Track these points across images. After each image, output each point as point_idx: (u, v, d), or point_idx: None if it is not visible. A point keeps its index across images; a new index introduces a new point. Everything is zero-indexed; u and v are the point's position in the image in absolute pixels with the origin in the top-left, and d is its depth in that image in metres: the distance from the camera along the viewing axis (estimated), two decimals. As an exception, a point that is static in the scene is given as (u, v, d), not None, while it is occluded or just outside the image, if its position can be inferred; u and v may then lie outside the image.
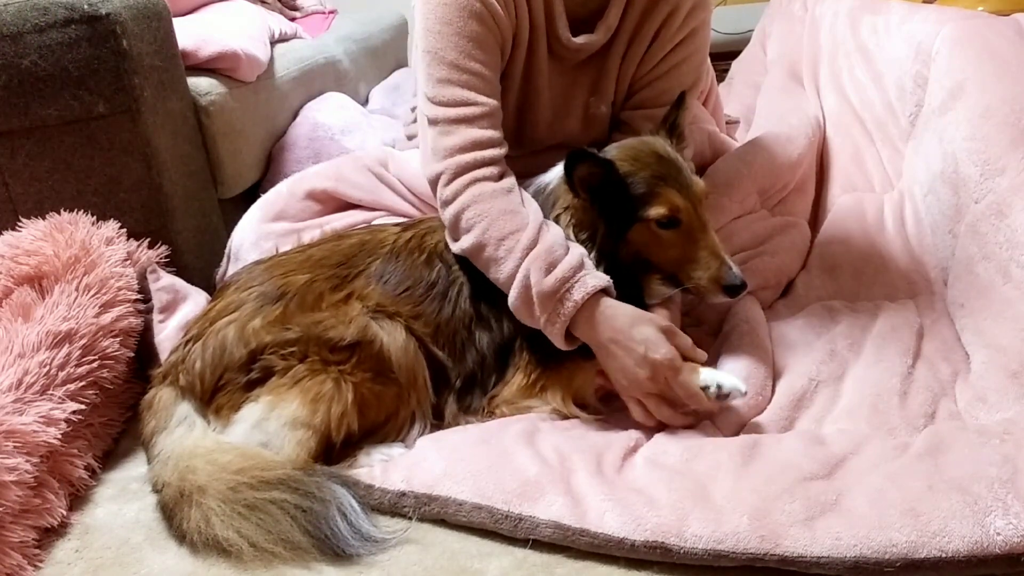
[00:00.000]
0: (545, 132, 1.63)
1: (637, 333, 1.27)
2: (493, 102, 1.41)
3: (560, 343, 1.33)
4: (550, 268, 1.30)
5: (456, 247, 1.40)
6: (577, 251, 1.33)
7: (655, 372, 1.25)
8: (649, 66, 1.55)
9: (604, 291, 1.30)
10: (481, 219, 1.35)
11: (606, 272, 1.33)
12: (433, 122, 1.41)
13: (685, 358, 1.28)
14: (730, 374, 1.28)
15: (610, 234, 1.34)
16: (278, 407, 1.25)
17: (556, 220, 1.37)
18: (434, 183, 1.41)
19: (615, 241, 1.33)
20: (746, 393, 1.27)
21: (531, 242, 1.32)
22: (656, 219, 1.30)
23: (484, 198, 1.36)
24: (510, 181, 1.40)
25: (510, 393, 1.39)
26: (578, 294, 1.28)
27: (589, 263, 1.32)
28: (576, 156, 1.27)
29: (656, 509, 1.08)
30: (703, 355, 1.31)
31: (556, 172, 1.40)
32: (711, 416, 1.31)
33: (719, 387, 1.24)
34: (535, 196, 1.43)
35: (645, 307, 1.36)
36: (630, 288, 1.35)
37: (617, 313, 1.29)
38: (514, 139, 1.66)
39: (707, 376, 1.25)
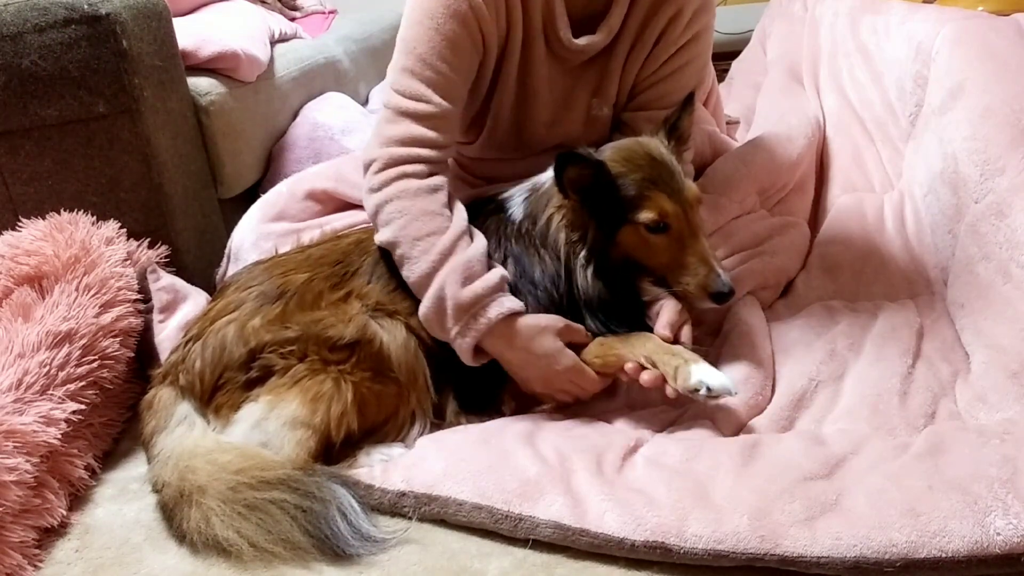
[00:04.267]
0: (545, 133, 1.62)
1: (538, 347, 1.31)
2: (447, 105, 1.41)
3: (468, 358, 1.34)
4: (467, 281, 1.31)
5: (376, 238, 1.41)
6: (498, 272, 1.34)
7: (559, 380, 1.33)
8: (652, 68, 1.55)
9: (517, 314, 1.32)
10: (400, 216, 1.36)
11: (597, 271, 1.33)
12: (386, 105, 1.43)
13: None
14: (721, 374, 1.24)
15: (600, 235, 1.33)
16: (278, 407, 1.25)
17: (549, 220, 1.37)
18: (366, 168, 1.42)
19: (606, 242, 1.33)
20: (735, 394, 1.25)
21: (447, 249, 1.33)
22: (645, 223, 1.29)
23: (407, 195, 1.37)
24: (438, 181, 1.40)
25: (516, 389, 1.39)
26: (493, 312, 1.30)
27: (507, 286, 1.34)
28: (566, 158, 1.26)
29: (656, 509, 1.08)
30: (581, 332, 1.35)
31: (551, 172, 1.40)
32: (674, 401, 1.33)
33: (708, 389, 1.22)
34: (529, 195, 1.43)
35: (642, 305, 1.36)
36: (624, 287, 1.35)
37: (522, 335, 1.32)
38: (514, 140, 1.65)
39: (696, 378, 1.23)
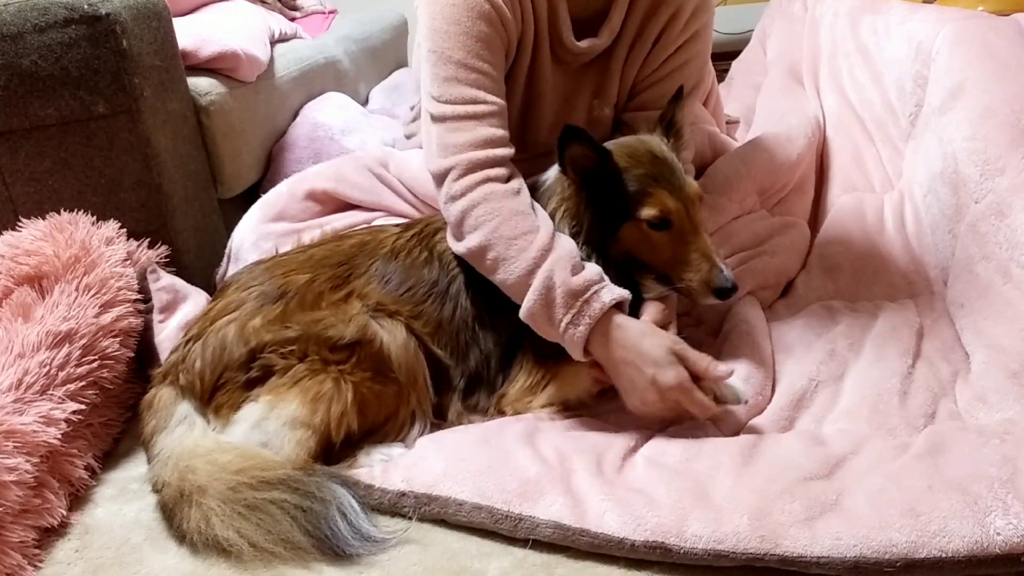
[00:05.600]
0: (548, 135, 1.62)
1: (648, 348, 1.24)
2: (501, 101, 1.40)
3: (578, 351, 1.29)
4: (576, 270, 1.28)
5: (460, 246, 1.38)
6: (595, 267, 1.31)
7: (663, 395, 1.23)
8: (651, 68, 1.55)
9: (621, 305, 1.29)
10: (492, 218, 1.32)
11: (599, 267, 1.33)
12: (439, 119, 1.39)
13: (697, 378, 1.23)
14: (731, 382, 1.26)
15: (598, 227, 1.33)
16: (278, 407, 1.26)
17: (551, 215, 1.36)
18: (441, 178, 1.39)
19: (604, 235, 1.33)
20: (746, 401, 1.26)
21: (547, 244, 1.30)
22: (647, 220, 1.30)
23: (495, 197, 1.34)
24: (519, 183, 1.39)
25: (515, 393, 1.39)
26: (607, 296, 1.26)
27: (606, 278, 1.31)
28: (570, 132, 1.25)
29: (656, 509, 1.08)
30: (722, 373, 1.24)
31: (554, 170, 1.40)
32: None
33: (714, 398, 1.24)
34: (532, 192, 1.43)
35: (640, 301, 1.36)
36: (625, 283, 1.35)
37: (630, 331, 1.27)
38: (517, 142, 1.65)
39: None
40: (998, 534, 0.98)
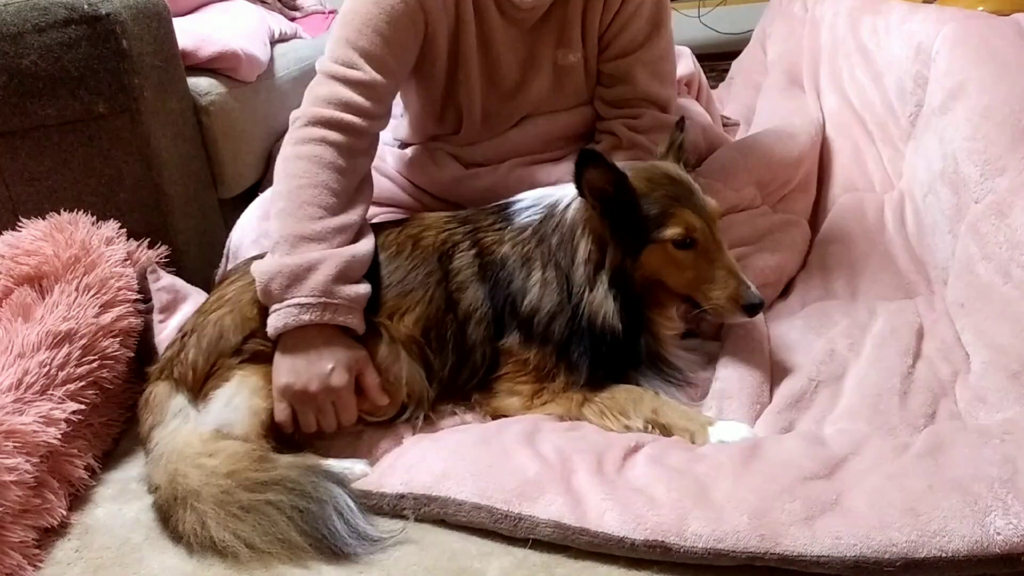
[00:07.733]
0: (514, 94, 1.64)
1: (336, 353, 1.28)
2: (378, 77, 1.42)
3: (280, 327, 1.27)
4: (342, 280, 1.29)
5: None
6: (366, 287, 1.33)
7: (321, 389, 1.26)
8: (612, 11, 1.57)
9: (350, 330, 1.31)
10: (302, 177, 1.34)
11: (615, 300, 1.30)
12: (320, 70, 1.45)
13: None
14: (739, 427, 1.25)
15: (620, 253, 1.30)
16: (246, 381, 1.28)
17: (576, 245, 1.32)
18: (292, 122, 1.43)
19: (626, 260, 1.30)
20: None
21: (334, 230, 1.32)
22: (671, 239, 1.27)
23: (319, 163, 1.35)
24: (360, 164, 1.41)
25: (513, 408, 1.38)
26: (341, 317, 1.28)
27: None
28: (587, 156, 1.23)
29: (656, 508, 1.08)
30: (383, 400, 1.33)
31: (566, 195, 1.37)
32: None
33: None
34: (547, 218, 1.38)
35: (653, 333, 1.36)
36: (637, 317, 1.33)
37: (340, 336, 1.30)
38: (494, 110, 1.66)
39: (716, 439, 1.23)
40: (998, 534, 0.98)
